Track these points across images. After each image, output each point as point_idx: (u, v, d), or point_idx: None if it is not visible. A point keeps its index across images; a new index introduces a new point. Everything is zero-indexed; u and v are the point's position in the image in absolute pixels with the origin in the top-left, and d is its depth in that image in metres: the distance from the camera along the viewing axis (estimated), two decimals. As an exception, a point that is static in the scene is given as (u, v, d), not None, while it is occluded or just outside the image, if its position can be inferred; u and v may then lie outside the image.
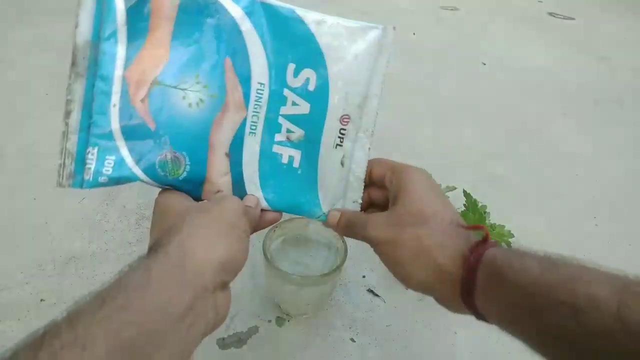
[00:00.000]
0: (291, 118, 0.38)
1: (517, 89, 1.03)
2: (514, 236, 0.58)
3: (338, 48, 0.37)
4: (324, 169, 0.38)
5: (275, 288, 0.50)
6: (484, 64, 1.10)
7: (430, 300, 0.55)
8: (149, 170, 0.35)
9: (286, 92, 0.37)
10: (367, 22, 0.38)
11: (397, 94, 0.95)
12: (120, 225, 0.58)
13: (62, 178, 0.35)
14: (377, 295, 0.55)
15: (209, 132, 0.36)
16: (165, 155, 0.36)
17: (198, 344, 0.28)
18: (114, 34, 0.33)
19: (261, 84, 0.37)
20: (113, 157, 0.34)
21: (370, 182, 0.40)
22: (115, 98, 0.34)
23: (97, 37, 0.33)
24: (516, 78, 1.07)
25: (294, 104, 0.37)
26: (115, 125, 0.34)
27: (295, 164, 0.38)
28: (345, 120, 0.37)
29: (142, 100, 0.35)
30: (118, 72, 0.34)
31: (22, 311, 0.48)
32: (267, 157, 0.38)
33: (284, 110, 0.38)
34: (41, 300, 0.49)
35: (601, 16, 1.48)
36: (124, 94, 0.34)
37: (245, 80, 0.36)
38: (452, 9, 1.39)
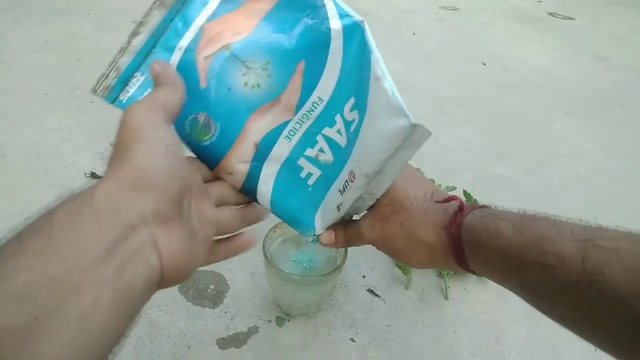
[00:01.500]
0: (330, 141, 0.38)
1: (517, 89, 1.03)
2: None
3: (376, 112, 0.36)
4: (329, 200, 0.38)
5: (275, 288, 0.50)
6: (484, 64, 1.10)
7: (430, 300, 0.55)
8: (177, 122, 0.32)
9: (338, 118, 0.37)
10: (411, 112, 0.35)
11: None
12: (120, 225, 0.58)
13: (99, 87, 0.34)
14: (377, 295, 0.55)
15: (248, 116, 0.36)
16: (200, 116, 0.35)
17: (149, 289, 0.24)
18: None
19: (320, 99, 0.37)
20: None
21: None
22: (184, 42, 0.34)
23: None
24: (516, 78, 1.07)
25: (338, 131, 0.37)
26: (172, 65, 0.34)
27: (310, 182, 0.38)
28: (351, 176, 0.37)
29: (206, 58, 0.34)
30: (200, 20, 0.33)
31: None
32: (290, 165, 0.38)
33: (327, 131, 0.37)
34: (41, 300, 0.50)
35: (601, 16, 1.48)
36: (194, 42, 0.34)
37: (308, 89, 0.36)
38: (452, 9, 1.39)
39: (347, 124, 0.37)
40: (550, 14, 1.45)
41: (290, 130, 0.37)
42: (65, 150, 0.69)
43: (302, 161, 0.38)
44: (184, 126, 0.35)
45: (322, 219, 0.39)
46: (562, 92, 1.03)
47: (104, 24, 1.04)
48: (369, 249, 0.59)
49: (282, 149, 0.37)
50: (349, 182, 0.37)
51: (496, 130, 0.88)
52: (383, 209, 0.37)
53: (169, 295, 0.52)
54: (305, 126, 0.37)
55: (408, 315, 0.53)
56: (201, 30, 0.34)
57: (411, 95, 0.95)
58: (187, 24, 0.33)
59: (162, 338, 0.48)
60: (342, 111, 0.37)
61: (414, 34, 1.21)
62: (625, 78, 1.13)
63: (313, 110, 0.37)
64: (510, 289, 0.32)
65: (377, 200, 0.37)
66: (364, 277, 0.57)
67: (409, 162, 0.35)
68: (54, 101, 0.79)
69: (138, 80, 0.34)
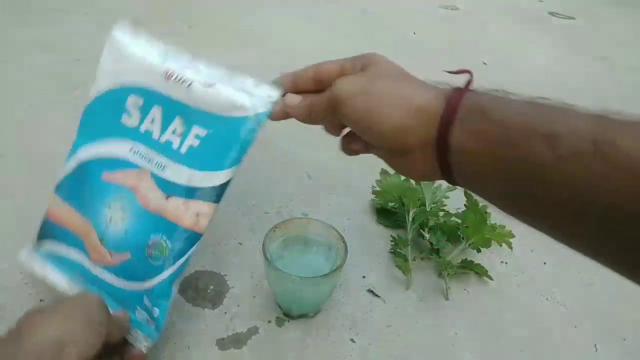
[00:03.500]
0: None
1: (518, 88, 1.02)
2: (514, 236, 0.58)
3: None
4: None
5: (275, 288, 0.50)
6: (485, 64, 1.10)
7: (430, 300, 0.55)
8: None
9: None
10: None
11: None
12: (120, 225, 0.58)
13: None
14: (377, 295, 0.55)
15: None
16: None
17: None
18: None
19: None
20: None
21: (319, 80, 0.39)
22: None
23: None
24: (516, 78, 1.07)
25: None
26: None
27: None
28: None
29: None
30: None
31: (22, 311, 0.48)
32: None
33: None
34: (41, 300, 0.49)
35: (601, 16, 1.48)
36: None
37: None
38: (452, 9, 1.39)
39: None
40: (551, 13, 1.45)
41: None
42: (64, 150, 0.69)
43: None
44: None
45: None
46: (562, 92, 1.03)
47: (104, 24, 1.04)
48: (369, 250, 0.59)
49: None
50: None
51: (496, 130, 0.88)
52: (378, 72, 0.35)
53: (169, 296, 0.52)
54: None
55: (408, 315, 0.53)
56: None
57: (411, 95, 0.95)
58: None
59: (161, 339, 0.48)
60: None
61: (414, 33, 1.21)
62: (626, 78, 1.13)
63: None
64: (486, 184, 0.30)
65: (363, 72, 0.36)
66: (364, 277, 0.57)
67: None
68: (53, 101, 0.79)
69: None
